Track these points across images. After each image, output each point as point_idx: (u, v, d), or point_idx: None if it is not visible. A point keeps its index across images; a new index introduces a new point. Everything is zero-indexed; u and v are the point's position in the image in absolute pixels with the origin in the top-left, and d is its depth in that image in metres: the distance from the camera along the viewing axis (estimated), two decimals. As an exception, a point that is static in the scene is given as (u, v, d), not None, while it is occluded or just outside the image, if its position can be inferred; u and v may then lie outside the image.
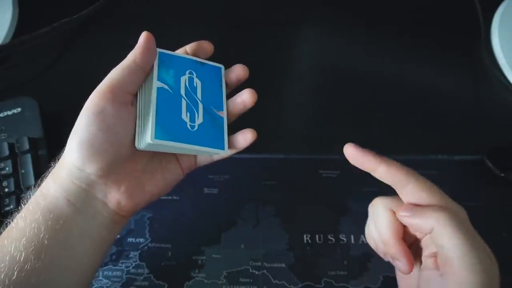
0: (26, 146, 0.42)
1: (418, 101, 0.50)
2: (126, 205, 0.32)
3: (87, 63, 0.52)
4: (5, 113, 0.44)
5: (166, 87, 0.32)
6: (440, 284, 0.27)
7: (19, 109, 0.45)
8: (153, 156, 0.34)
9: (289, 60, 0.53)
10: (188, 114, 0.33)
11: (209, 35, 0.54)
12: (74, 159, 0.29)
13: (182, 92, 0.33)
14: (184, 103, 0.33)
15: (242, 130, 0.34)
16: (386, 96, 0.50)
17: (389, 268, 0.40)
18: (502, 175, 0.44)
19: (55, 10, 0.53)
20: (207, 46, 0.36)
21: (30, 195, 0.31)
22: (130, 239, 0.42)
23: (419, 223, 0.28)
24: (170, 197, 0.44)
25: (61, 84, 0.50)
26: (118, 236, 0.41)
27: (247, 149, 0.47)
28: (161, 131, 0.31)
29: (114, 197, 0.31)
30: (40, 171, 0.42)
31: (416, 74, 0.52)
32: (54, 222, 0.29)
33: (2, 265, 0.27)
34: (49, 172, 0.31)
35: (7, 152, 0.42)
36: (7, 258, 0.28)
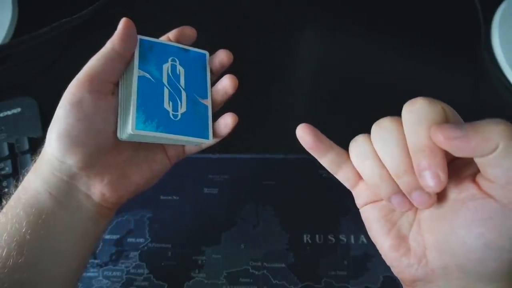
0: (26, 146, 0.42)
1: (418, 101, 0.50)
2: (110, 197, 0.31)
3: (87, 63, 0.52)
4: (5, 113, 0.44)
5: (147, 75, 0.31)
6: (492, 209, 0.22)
7: (19, 109, 0.45)
8: (138, 146, 0.33)
9: (289, 60, 0.53)
10: (171, 103, 0.32)
11: (209, 35, 0.54)
12: (54, 151, 0.29)
13: (165, 80, 0.32)
14: (166, 91, 0.32)
15: (222, 116, 0.33)
16: (386, 96, 0.50)
17: (389, 268, 0.40)
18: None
19: (55, 10, 0.53)
20: (190, 32, 0.34)
21: (12, 191, 0.30)
22: (130, 239, 0.42)
23: (478, 144, 0.21)
24: (170, 197, 0.44)
25: (61, 84, 0.50)
26: (118, 236, 0.42)
27: (247, 149, 0.47)
28: (143, 122, 0.30)
29: (97, 189, 0.30)
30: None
31: (416, 74, 0.52)
32: (36, 216, 0.28)
33: None
34: (31, 166, 0.31)
35: (7, 152, 0.42)
36: None
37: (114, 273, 0.40)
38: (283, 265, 0.40)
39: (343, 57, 0.53)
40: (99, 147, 0.30)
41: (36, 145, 0.43)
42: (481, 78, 0.52)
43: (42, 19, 0.48)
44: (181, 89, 0.33)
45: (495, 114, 0.52)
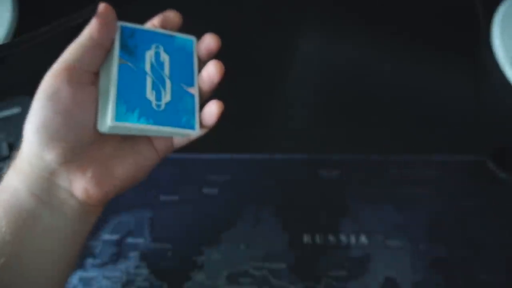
0: (26, 146, 0.42)
1: (418, 101, 0.50)
2: (94, 193, 0.29)
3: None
4: (5, 113, 0.44)
5: (129, 63, 0.29)
6: None
7: (19, 109, 0.45)
8: (123, 139, 0.31)
9: (289, 60, 0.53)
10: (154, 92, 0.30)
11: (209, 35, 0.55)
12: (32, 146, 0.27)
13: (147, 68, 0.30)
14: (149, 80, 0.30)
15: (207, 104, 0.31)
16: (386, 96, 0.50)
17: (389, 268, 0.40)
18: (503, 175, 0.44)
19: (55, 10, 0.53)
20: (174, 17, 0.32)
21: None
22: (130, 239, 0.41)
23: None
24: (170, 197, 0.44)
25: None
26: (118, 236, 0.41)
27: (247, 149, 0.47)
28: (123, 112, 0.28)
29: (80, 184, 0.28)
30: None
31: (416, 74, 0.52)
32: (16, 216, 0.27)
33: None
34: (11, 164, 0.29)
35: (7, 152, 0.42)
36: None
37: (114, 273, 0.40)
38: (283, 265, 0.40)
39: (343, 57, 0.53)
40: (79, 140, 0.28)
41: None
42: (481, 78, 0.52)
43: (42, 19, 0.48)
44: (165, 77, 0.31)
45: (495, 114, 0.52)
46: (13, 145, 0.42)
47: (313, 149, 0.47)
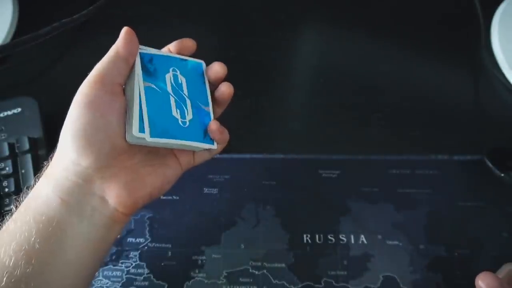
0: (26, 146, 0.42)
1: (418, 101, 0.50)
2: (126, 200, 0.30)
3: (87, 63, 0.51)
4: (5, 113, 0.44)
5: (153, 86, 0.32)
6: None
7: (19, 109, 0.45)
8: (150, 150, 0.33)
9: (289, 60, 0.53)
10: (178, 110, 0.33)
11: (209, 35, 0.55)
12: (69, 153, 0.28)
13: (169, 89, 0.33)
14: (172, 100, 0.33)
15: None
16: (386, 96, 0.50)
17: (389, 268, 0.40)
18: (502, 175, 0.44)
19: (55, 10, 0.53)
20: (190, 43, 0.35)
21: (23, 197, 0.29)
22: (130, 239, 0.42)
23: None
24: (170, 197, 0.44)
25: (61, 84, 0.50)
26: (118, 236, 0.41)
27: (247, 149, 0.47)
28: (156, 129, 0.31)
29: (113, 191, 0.29)
30: (40, 171, 0.42)
31: (416, 73, 0.52)
32: (46, 224, 0.27)
33: None
34: (42, 172, 0.30)
35: (7, 152, 0.42)
36: None
37: (114, 273, 0.40)
38: (283, 265, 0.40)
39: (343, 57, 0.53)
40: (114, 147, 0.30)
41: (36, 145, 0.43)
42: (480, 78, 0.52)
43: (42, 19, 0.48)
44: (185, 97, 0.34)
45: (495, 114, 0.52)
46: (13, 145, 0.42)
47: (313, 149, 0.47)
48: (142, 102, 0.31)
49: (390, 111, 0.49)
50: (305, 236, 0.42)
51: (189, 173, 0.36)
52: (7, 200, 0.40)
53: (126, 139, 0.31)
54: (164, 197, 0.43)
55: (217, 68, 0.35)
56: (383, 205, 0.43)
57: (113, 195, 0.30)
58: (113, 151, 0.30)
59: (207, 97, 0.35)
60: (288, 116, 0.49)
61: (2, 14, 0.53)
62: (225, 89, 0.35)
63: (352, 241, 0.42)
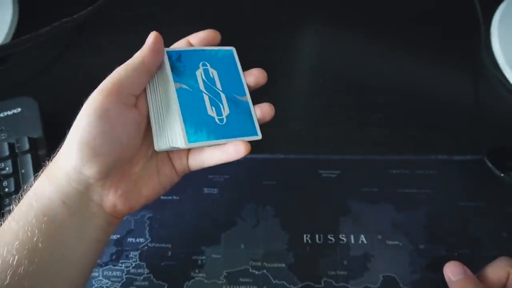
0: (26, 146, 0.42)
1: (418, 101, 0.50)
2: (121, 208, 0.31)
3: (87, 63, 0.52)
4: (5, 113, 0.44)
5: (184, 86, 0.31)
6: None
7: (19, 109, 0.45)
8: (150, 159, 0.34)
9: (289, 60, 0.53)
10: (213, 108, 0.32)
11: (209, 35, 0.55)
12: (73, 161, 0.28)
13: (201, 87, 0.32)
14: (206, 98, 0.32)
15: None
16: (386, 96, 0.50)
17: (389, 268, 0.40)
18: (502, 175, 0.44)
19: (55, 10, 0.53)
20: (214, 35, 0.34)
21: (22, 196, 0.30)
22: (130, 239, 0.42)
23: None
24: (170, 197, 0.44)
25: (61, 84, 0.50)
26: (118, 236, 0.42)
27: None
28: (193, 133, 0.30)
29: (110, 200, 0.30)
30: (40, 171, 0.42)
31: (416, 74, 0.52)
32: (49, 224, 0.28)
33: None
34: (42, 172, 0.30)
35: (7, 152, 0.42)
36: (0, 262, 0.27)
37: (114, 273, 0.40)
38: (283, 265, 0.40)
39: (343, 57, 0.53)
40: (118, 159, 0.30)
41: (36, 145, 0.43)
42: (480, 78, 0.52)
43: (42, 19, 0.48)
44: (219, 91, 0.32)
45: (495, 114, 0.52)
46: (13, 145, 0.42)
47: (313, 149, 0.47)
48: (175, 107, 0.30)
49: (390, 111, 0.49)
50: (305, 236, 0.42)
51: (189, 173, 0.36)
52: (7, 200, 0.40)
53: (156, 148, 0.31)
54: (164, 197, 0.43)
55: (258, 75, 0.34)
56: (383, 205, 0.43)
57: (109, 204, 0.30)
58: (116, 163, 0.30)
59: (242, 85, 0.33)
60: (288, 116, 0.49)
61: (2, 14, 0.53)
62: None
63: (352, 241, 0.42)
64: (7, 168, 0.41)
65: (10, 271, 0.27)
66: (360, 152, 0.46)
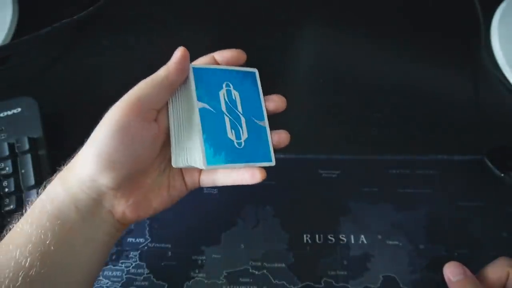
0: (26, 146, 0.42)
1: (418, 101, 0.50)
2: (130, 216, 0.32)
3: (87, 63, 0.52)
4: (5, 113, 0.44)
5: (207, 106, 0.31)
6: None
7: (19, 109, 0.45)
8: (163, 172, 0.34)
9: (289, 60, 0.53)
10: (233, 131, 0.32)
11: (209, 35, 0.55)
12: (89, 169, 0.29)
13: (223, 108, 0.32)
14: (227, 120, 0.32)
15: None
16: (386, 96, 0.50)
17: (389, 268, 0.40)
18: (502, 175, 0.44)
19: (55, 10, 0.53)
20: (241, 56, 0.34)
21: (35, 198, 0.30)
22: (130, 239, 0.42)
23: None
24: (170, 197, 0.44)
25: (61, 84, 0.50)
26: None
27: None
28: (212, 155, 0.30)
29: (120, 208, 0.31)
30: (40, 171, 0.42)
31: (415, 74, 0.52)
32: (61, 228, 0.29)
33: (7, 270, 0.27)
34: (56, 176, 0.31)
35: (7, 152, 0.42)
36: (12, 263, 0.27)
37: (114, 273, 0.40)
38: (283, 265, 0.40)
39: (343, 57, 0.53)
40: (133, 171, 0.30)
41: (36, 145, 0.43)
42: (481, 78, 0.52)
43: (42, 19, 0.49)
44: (240, 114, 0.32)
45: (495, 114, 0.52)
46: (13, 145, 0.42)
47: (313, 149, 0.47)
48: (197, 128, 0.30)
49: (390, 111, 0.49)
50: (305, 236, 0.42)
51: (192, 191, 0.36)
52: (7, 200, 0.40)
53: (173, 164, 0.31)
54: (164, 197, 0.43)
55: (277, 100, 0.35)
56: (383, 205, 0.43)
57: (119, 211, 0.31)
58: (131, 174, 0.30)
59: (261, 110, 0.33)
60: (288, 116, 0.49)
61: (2, 14, 0.53)
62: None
63: (352, 241, 0.42)
64: (7, 168, 0.41)
65: (22, 273, 0.27)
66: (360, 152, 0.46)
